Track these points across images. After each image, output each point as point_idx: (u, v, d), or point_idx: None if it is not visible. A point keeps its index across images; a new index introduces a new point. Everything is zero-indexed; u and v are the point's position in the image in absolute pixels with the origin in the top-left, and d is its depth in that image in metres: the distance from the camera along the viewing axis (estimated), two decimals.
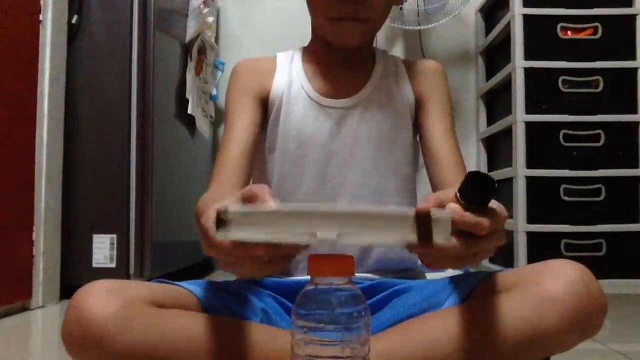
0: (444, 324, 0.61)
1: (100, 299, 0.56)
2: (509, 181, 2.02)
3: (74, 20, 1.72)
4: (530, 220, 1.92)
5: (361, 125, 0.84)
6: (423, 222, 0.46)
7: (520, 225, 1.91)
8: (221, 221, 0.46)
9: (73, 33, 1.73)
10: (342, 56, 0.86)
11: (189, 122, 2.09)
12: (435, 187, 0.84)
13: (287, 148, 0.84)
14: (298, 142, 0.83)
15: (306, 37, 0.91)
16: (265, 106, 0.86)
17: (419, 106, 0.88)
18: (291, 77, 0.87)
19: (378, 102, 0.86)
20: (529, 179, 1.94)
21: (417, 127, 0.88)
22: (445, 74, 0.92)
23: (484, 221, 0.49)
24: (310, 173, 0.83)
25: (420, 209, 0.46)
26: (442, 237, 0.47)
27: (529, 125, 1.96)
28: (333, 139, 0.83)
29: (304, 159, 0.83)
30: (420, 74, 0.89)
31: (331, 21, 0.80)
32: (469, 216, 0.49)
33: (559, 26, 2.00)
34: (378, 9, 0.81)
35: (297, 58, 0.90)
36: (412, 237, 0.46)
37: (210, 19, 2.16)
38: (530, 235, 1.91)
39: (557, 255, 1.72)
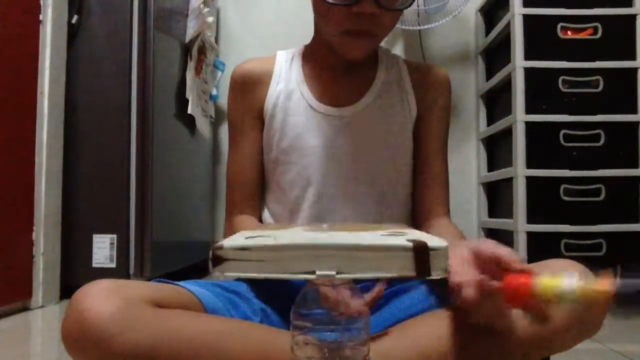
0: (444, 324, 0.61)
1: (100, 299, 0.56)
2: (509, 181, 2.02)
3: (74, 20, 1.72)
4: (530, 220, 1.92)
5: (363, 133, 0.85)
6: (421, 256, 0.46)
7: (520, 225, 1.91)
8: (217, 257, 0.46)
9: (73, 33, 1.73)
10: (345, 61, 0.85)
11: (189, 122, 2.09)
12: (414, 196, 0.90)
13: (290, 158, 0.85)
14: (300, 152, 0.84)
15: (306, 37, 0.91)
16: (265, 115, 0.88)
17: (419, 117, 0.89)
18: (291, 84, 0.87)
19: (380, 110, 0.86)
20: (529, 179, 1.94)
21: (414, 135, 0.89)
22: (450, 82, 0.91)
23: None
24: (313, 182, 0.84)
25: (418, 242, 0.46)
26: (439, 270, 0.46)
27: (529, 125, 1.96)
28: (335, 147, 0.84)
29: (308, 169, 0.84)
30: (425, 85, 0.90)
31: (344, 34, 0.79)
32: None
33: (559, 26, 1.99)
34: (389, 27, 0.81)
35: (297, 62, 0.90)
36: (410, 271, 0.46)
37: (210, 19, 2.16)
38: (530, 235, 1.91)
39: (557, 255, 1.70)
